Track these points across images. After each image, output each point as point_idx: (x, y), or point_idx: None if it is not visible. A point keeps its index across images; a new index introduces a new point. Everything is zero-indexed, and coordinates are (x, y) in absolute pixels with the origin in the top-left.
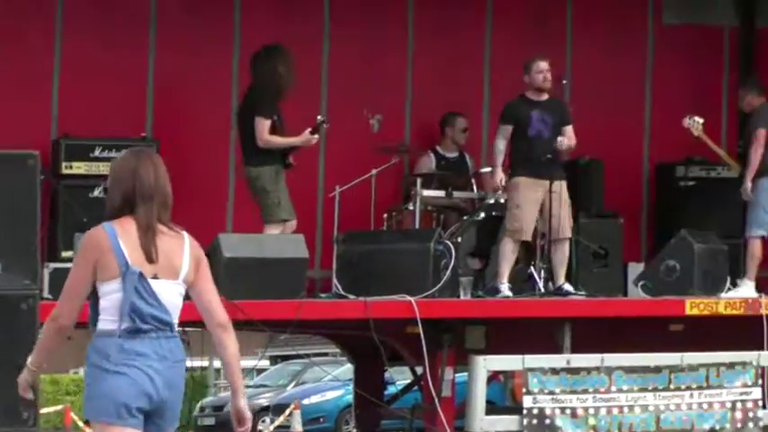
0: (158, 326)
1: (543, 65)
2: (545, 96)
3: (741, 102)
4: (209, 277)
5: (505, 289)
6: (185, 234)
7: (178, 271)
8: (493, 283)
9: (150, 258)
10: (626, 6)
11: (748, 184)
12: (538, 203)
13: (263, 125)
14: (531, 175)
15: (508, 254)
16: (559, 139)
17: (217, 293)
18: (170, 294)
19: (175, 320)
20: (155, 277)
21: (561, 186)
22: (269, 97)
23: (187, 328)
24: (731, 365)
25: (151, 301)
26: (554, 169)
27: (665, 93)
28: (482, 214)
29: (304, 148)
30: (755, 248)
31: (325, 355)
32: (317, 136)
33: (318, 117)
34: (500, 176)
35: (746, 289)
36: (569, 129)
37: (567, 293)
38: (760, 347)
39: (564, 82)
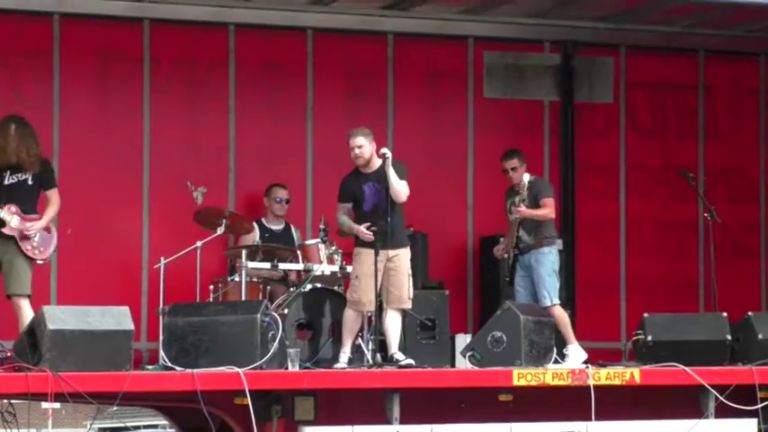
0: None
1: (351, 142)
2: (376, 166)
3: (514, 171)
4: None
5: (344, 359)
6: None
7: None
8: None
9: None
10: (446, 80)
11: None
12: (379, 274)
13: None
14: (371, 246)
15: (348, 323)
16: None
17: None
18: None
19: None
20: None
21: (400, 255)
22: None
23: (14, 401)
24: None
25: None
26: (394, 238)
27: (487, 164)
28: (309, 286)
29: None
30: (562, 314)
31: (155, 427)
32: None
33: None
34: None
35: (576, 352)
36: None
37: (397, 361)
38: (588, 417)
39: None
